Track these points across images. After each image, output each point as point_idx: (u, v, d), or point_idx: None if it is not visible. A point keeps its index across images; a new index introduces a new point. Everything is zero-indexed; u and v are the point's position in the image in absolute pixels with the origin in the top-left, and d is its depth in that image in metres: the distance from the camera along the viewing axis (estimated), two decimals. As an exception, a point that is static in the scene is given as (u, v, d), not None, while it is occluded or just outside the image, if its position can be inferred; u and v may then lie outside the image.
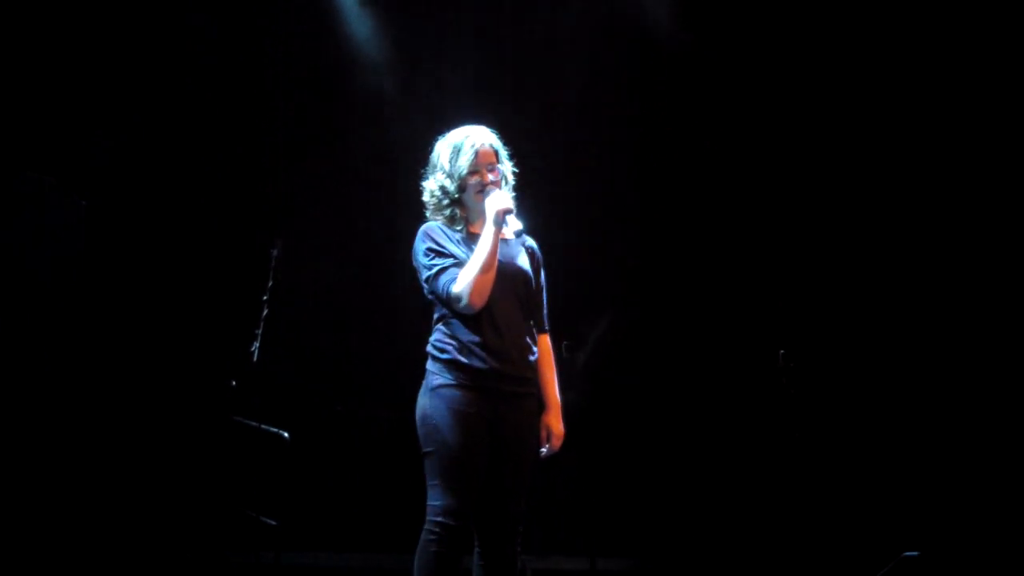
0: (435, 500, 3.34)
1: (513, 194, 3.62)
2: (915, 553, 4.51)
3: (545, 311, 3.68)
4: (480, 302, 3.37)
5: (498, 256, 3.43)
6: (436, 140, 3.67)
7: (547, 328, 3.67)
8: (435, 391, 3.40)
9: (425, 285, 3.50)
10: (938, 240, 6.28)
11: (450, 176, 3.55)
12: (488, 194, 3.48)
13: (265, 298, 5.33)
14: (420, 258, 3.50)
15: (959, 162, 6.28)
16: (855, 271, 6.45)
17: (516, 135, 3.82)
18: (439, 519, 3.30)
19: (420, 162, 3.76)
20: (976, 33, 6.23)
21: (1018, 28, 6.10)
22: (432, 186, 3.60)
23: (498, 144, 3.65)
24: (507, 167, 3.65)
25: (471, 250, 3.44)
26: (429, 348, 3.50)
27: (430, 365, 3.47)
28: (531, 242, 3.70)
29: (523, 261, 3.59)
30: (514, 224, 3.47)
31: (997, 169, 6.19)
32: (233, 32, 6.41)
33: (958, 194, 6.26)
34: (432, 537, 3.30)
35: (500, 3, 6.82)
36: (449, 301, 3.40)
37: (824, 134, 6.58)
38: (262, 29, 6.50)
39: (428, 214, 3.63)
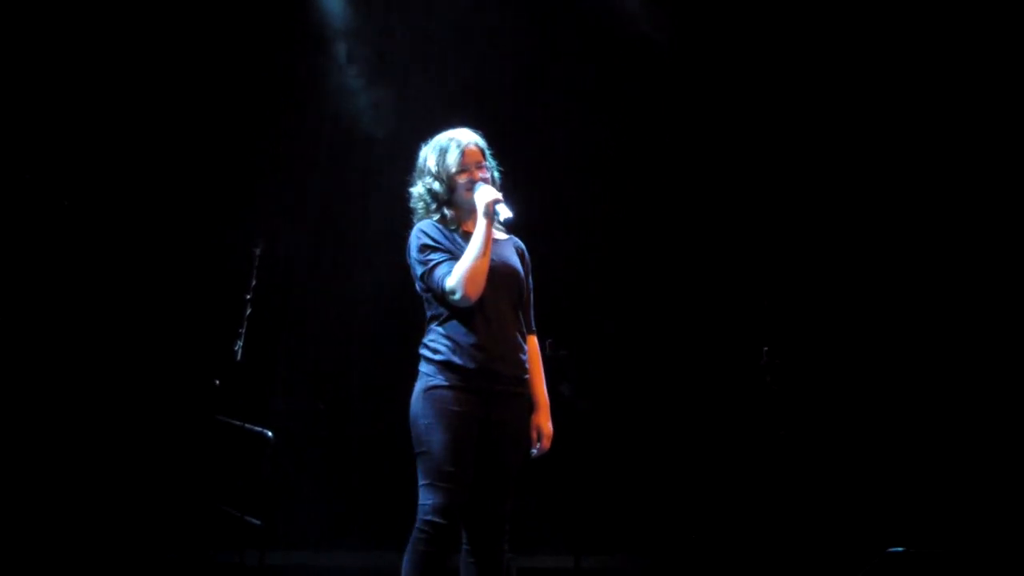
0: (427, 499, 3.32)
1: (501, 192, 3.59)
2: (900, 549, 4.53)
3: (532, 312, 3.68)
4: (475, 294, 3.36)
5: (492, 255, 3.43)
6: (422, 146, 3.65)
7: (534, 329, 3.67)
8: (428, 392, 3.39)
9: (420, 282, 3.49)
10: (919, 239, 6.32)
11: (438, 178, 3.55)
12: (476, 188, 3.49)
13: (248, 297, 5.31)
14: (415, 254, 3.48)
15: (937, 163, 6.32)
16: (838, 269, 6.48)
17: (497, 137, 3.81)
18: (430, 518, 3.29)
19: (403, 162, 3.74)
20: (941, 43, 6.29)
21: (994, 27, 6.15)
22: (420, 190, 3.60)
23: (483, 143, 3.65)
24: (493, 165, 3.66)
25: (466, 246, 3.43)
26: (422, 349, 3.48)
27: (423, 367, 3.46)
28: (521, 243, 3.72)
29: (515, 261, 3.60)
30: (504, 212, 3.46)
31: (974, 170, 6.24)
32: (219, 35, 6.38)
33: (937, 195, 6.30)
34: (422, 536, 3.29)
35: (484, 5, 6.80)
36: (444, 295, 3.39)
37: (805, 133, 6.61)
38: (248, 32, 6.47)
39: (416, 219, 3.60)
